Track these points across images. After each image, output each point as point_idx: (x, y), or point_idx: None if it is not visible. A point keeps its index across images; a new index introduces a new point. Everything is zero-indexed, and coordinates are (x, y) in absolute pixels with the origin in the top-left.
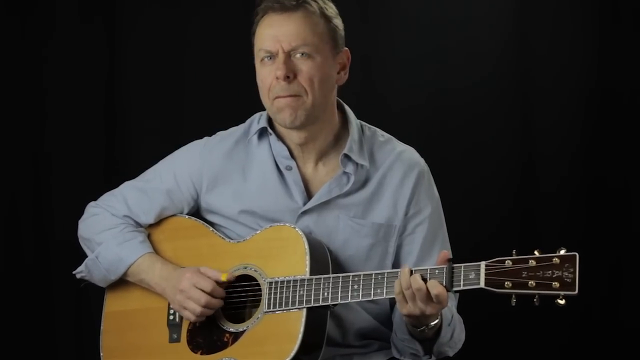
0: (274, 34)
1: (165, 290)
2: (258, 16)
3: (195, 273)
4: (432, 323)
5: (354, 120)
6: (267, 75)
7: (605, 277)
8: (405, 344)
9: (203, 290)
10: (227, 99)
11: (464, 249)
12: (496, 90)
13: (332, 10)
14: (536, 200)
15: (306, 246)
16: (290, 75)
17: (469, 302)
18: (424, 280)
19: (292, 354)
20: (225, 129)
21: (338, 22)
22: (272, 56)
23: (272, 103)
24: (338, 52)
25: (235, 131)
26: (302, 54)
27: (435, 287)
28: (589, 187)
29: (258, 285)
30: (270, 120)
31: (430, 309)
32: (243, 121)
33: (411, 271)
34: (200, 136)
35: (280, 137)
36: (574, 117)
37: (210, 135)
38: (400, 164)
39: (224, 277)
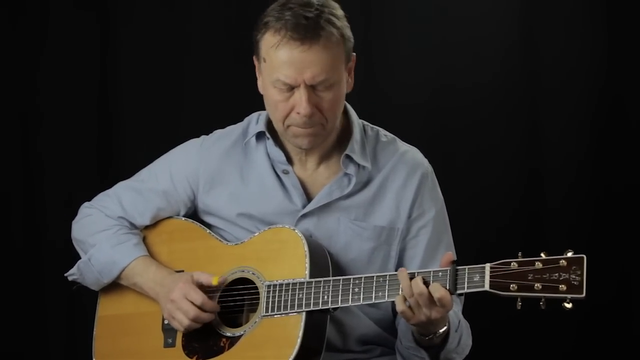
0: (295, 67)
1: (158, 296)
2: (271, 33)
3: (187, 283)
4: (440, 331)
5: (356, 121)
6: (282, 102)
7: (614, 282)
8: (411, 352)
9: (193, 303)
10: (224, 95)
11: (468, 253)
12: (502, 90)
13: (342, 19)
14: (543, 204)
15: (306, 248)
16: (315, 111)
17: (474, 305)
18: (426, 283)
19: (291, 359)
20: (223, 127)
21: (349, 31)
22: (290, 87)
23: (285, 128)
24: (349, 62)
25: (233, 130)
26: (324, 87)
27: (438, 290)
28: (597, 189)
29: (256, 288)
30: (268, 123)
31: (435, 313)
32: (241, 119)
33: (411, 277)
34: (196, 134)
35: (278, 141)
36: (583, 117)
37: (207, 134)
38: (403, 165)
39: (215, 281)
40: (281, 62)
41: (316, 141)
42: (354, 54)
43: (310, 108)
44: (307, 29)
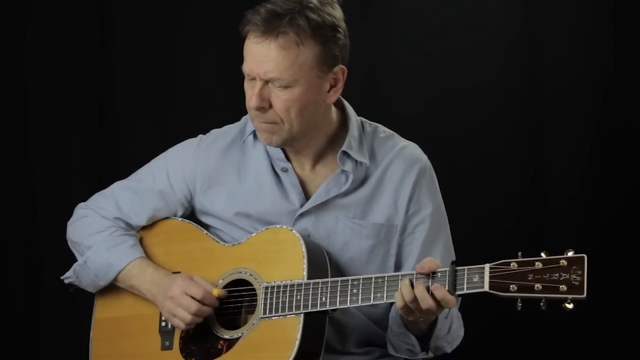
0: (253, 59)
1: (155, 297)
2: (245, 24)
3: (186, 279)
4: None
5: (353, 117)
6: (249, 91)
7: (617, 285)
8: (401, 339)
9: (194, 298)
10: (222, 94)
11: (471, 256)
12: (504, 91)
13: (327, 28)
14: (546, 205)
15: (303, 249)
16: (265, 105)
17: (474, 305)
18: (427, 288)
19: None
20: (220, 126)
21: (334, 38)
22: (252, 77)
23: (252, 119)
24: (328, 72)
25: (230, 130)
26: (279, 85)
27: (439, 290)
28: (600, 190)
29: (254, 290)
30: None
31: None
32: (239, 118)
33: (411, 282)
34: (193, 134)
35: None
36: (587, 118)
37: (204, 133)
38: (401, 160)
39: (215, 293)
40: (246, 52)
41: (275, 139)
42: (342, 66)
43: (257, 102)
44: (272, 23)
